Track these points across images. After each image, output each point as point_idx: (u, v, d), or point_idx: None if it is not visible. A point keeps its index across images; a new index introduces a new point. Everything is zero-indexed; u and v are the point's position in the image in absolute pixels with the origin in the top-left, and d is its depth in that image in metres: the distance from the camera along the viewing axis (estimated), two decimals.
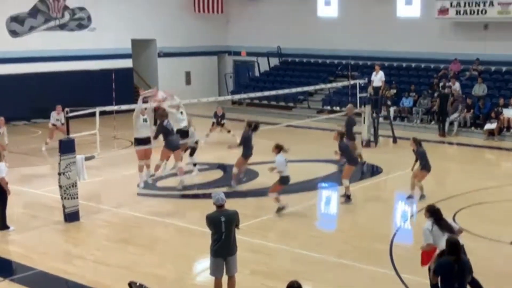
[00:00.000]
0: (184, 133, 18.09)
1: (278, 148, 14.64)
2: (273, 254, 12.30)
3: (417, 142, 15.78)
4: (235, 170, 16.86)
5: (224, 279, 9.74)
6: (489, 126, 24.46)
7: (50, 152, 20.57)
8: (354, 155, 16.18)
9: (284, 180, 14.69)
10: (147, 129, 16.80)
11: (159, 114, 16.79)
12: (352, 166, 15.95)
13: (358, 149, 19.00)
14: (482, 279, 10.21)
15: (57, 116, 21.83)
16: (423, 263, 9.89)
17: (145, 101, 17.83)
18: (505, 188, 17.30)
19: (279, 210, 14.63)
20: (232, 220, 9.56)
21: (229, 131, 22.91)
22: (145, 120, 16.67)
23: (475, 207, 15.31)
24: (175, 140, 16.55)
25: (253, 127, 16.80)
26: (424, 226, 9.71)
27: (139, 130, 16.61)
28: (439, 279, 8.34)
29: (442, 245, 9.52)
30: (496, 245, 12.70)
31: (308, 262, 11.84)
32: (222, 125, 23.16)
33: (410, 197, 15.81)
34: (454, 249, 8.29)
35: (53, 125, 21.99)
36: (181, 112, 18.31)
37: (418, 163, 15.81)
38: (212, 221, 9.48)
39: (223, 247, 9.47)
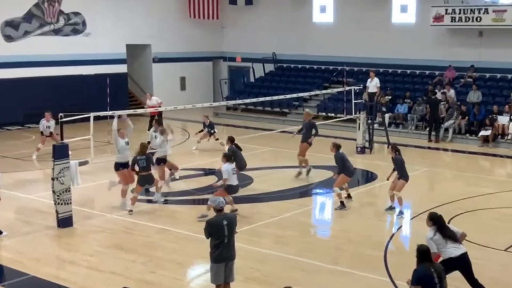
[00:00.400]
0: (162, 160, 17.35)
1: (226, 157, 14.75)
2: (267, 261, 12.24)
3: (395, 150, 15.19)
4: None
5: None
6: (483, 133, 24.48)
7: (44, 157, 20.47)
8: (351, 166, 16.09)
9: (230, 189, 14.71)
10: (128, 152, 15.99)
11: (142, 146, 15.68)
12: (347, 176, 15.93)
13: (304, 157, 18.70)
14: None
15: (47, 123, 21.46)
16: None
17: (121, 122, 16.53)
18: (499, 195, 17.29)
19: (202, 216, 14.29)
20: (233, 223, 9.55)
21: (217, 139, 22.65)
22: (126, 143, 15.90)
23: (469, 213, 15.28)
24: (146, 177, 15.56)
25: (234, 142, 16.81)
26: (426, 234, 9.68)
27: (121, 153, 15.71)
28: None
29: (446, 253, 9.50)
30: (490, 252, 12.67)
31: (302, 268, 11.78)
32: (212, 134, 22.90)
33: (391, 208, 15.44)
34: (426, 256, 8.45)
35: (41, 132, 21.62)
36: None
37: (395, 173, 15.25)
38: (215, 225, 9.40)
39: (226, 251, 9.43)
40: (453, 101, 26.15)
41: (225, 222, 9.38)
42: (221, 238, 9.37)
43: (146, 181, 15.49)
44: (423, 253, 8.47)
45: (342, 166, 15.78)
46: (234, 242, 9.57)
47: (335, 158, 15.92)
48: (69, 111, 15.13)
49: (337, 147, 15.95)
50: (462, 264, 9.66)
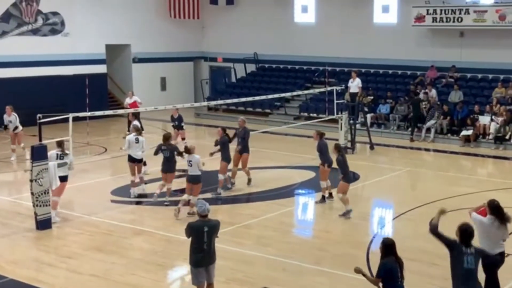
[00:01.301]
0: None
1: (184, 150, 14.94)
2: (248, 262, 12.13)
3: (338, 149, 14.95)
4: (221, 177, 16.75)
5: None
6: (465, 132, 24.55)
7: (22, 158, 20.21)
8: (329, 156, 16.08)
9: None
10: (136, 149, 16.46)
11: (165, 137, 15.94)
12: (328, 168, 15.97)
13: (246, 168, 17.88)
14: None
15: (8, 118, 21.09)
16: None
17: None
18: (481, 194, 17.25)
19: (192, 213, 14.40)
20: (215, 230, 9.39)
21: (183, 139, 21.69)
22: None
23: (451, 213, 15.19)
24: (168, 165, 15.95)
25: (227, 134, 16.92)
26: (484, 219, 9.90)
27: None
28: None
29: (483, 245, 9.59)
30: None
31: (284, 269, 11.69)
32: (181, 129, 21.97)
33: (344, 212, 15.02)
34: (391, 249, 8.49)
35: (5, 127, 21.42)
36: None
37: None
38: (195, 230, 9.29)
39: (204, 257, 9.31)
40: (435, 101, 26.21)
41: (206, 229, 9.24)
42: (200, 244, 9.24)
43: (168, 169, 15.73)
44: (388, 247, 8.50)
45: (325, 155, 15.80)
46: (214, 248, 9.43)
47: (319, 146, 15.87)
48: (47, 112, 14.87)
49: (320, 135, 16.01)
50: (493, 262, 9.66)
